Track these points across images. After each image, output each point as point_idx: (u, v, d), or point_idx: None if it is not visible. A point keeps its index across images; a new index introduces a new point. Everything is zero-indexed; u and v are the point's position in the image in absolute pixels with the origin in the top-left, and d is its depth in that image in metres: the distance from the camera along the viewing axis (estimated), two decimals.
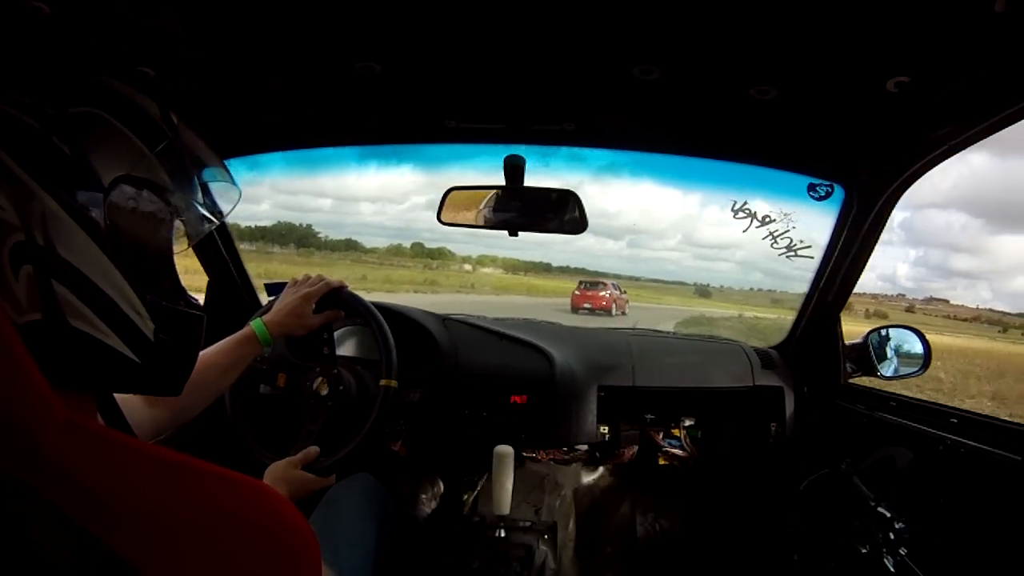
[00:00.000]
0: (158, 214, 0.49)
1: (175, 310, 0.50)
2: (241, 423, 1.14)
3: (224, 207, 0.58)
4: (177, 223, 0.52)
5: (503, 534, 1.11)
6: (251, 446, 1.12)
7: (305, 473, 0.99)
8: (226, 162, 1.31)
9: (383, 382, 1.11)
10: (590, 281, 19.07)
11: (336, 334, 1.39)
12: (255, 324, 0.98)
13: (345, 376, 1.18)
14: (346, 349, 1.40)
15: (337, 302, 1.11)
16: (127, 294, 0.46)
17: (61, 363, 0.43)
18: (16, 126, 0.42)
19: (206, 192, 0.55)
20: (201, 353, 0.54)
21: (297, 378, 1.19)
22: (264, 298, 1.43)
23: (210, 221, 0.56)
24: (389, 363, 1.12)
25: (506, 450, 1.11)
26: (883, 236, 1.20)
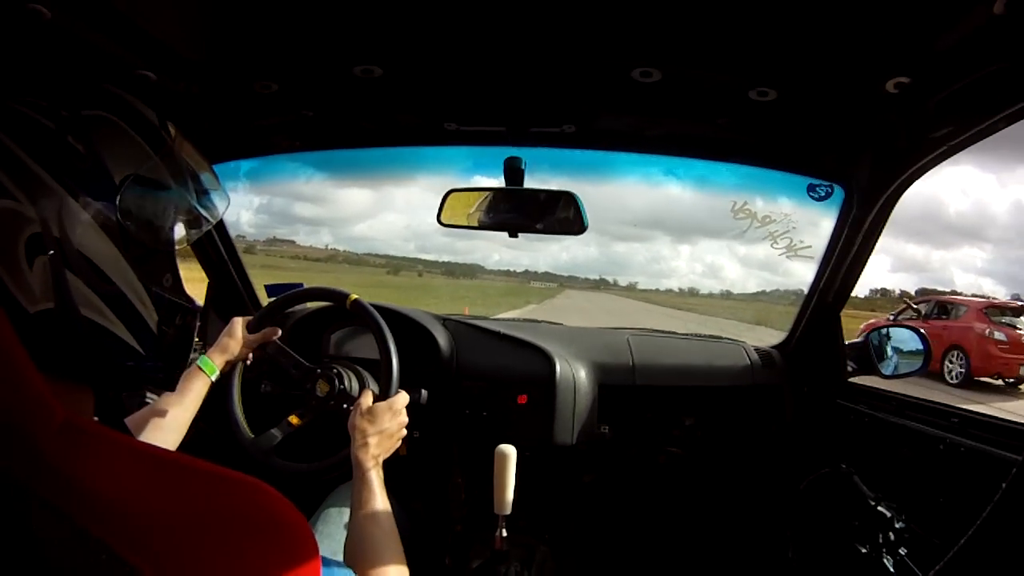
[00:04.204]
0: (163, 212, 0.51)
1: (175, 303, 0.52)
2: (267, 457, 1.12)
3: (218, 209, 0.61)
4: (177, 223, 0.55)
5: (503, 534, 1.10)
6: (275, 465, 1.11)
7: (383, 403, 0.96)
8: (231, 164, 1.32)
9: (349, 301, 1.12)
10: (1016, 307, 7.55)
11: (332, 338, 1.41)
12: (199, 359, 1.01)
13: (344, 374, 1.18)
14: (343, 351, 1.41)
15: (270, 300, 1.18)
16: (135, 286, 0.48)
17: (69, 352, 0.45)
18: (33, 126, 0.44)
19: (200, 195, 0.58)
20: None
21: (309, 414, 1.16)
22: (264, 299, 1.43)
23: (207, 221, 0.59)
24: (329, 292, 1.17)
25: (508, 449, 1.11)
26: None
